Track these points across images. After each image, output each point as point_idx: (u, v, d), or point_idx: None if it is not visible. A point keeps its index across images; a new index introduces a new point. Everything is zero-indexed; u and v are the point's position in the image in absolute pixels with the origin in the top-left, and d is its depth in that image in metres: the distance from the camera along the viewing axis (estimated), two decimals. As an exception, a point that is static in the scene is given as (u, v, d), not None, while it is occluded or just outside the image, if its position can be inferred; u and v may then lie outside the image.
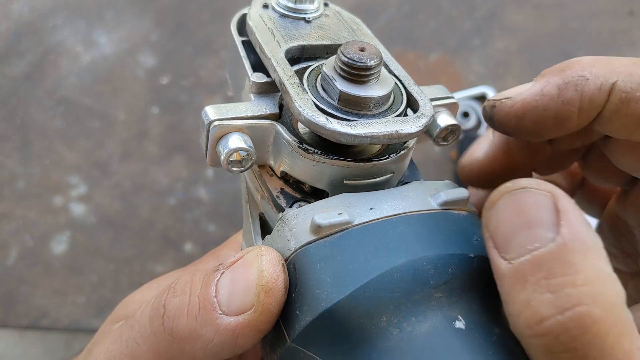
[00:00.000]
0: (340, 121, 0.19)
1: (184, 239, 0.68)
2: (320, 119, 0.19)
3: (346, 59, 0.19)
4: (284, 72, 0.20)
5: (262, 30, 0.23)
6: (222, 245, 0.28)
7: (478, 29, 0.72)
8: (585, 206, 0.28)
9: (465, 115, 0.69)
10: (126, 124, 0.72)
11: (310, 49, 0.23)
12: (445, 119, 0.23)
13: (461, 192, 0.20)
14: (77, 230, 0.69)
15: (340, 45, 0.21)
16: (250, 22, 0.23)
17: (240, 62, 0.23)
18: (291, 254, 0.18)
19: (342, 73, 0.20)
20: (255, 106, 0.20)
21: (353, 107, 0.20)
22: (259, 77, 0.21)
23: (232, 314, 0.17)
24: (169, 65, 0.73)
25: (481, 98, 0.70)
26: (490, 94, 0.69)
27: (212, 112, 0.20)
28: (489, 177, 0.25)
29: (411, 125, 0.19)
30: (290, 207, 0.21)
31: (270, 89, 0.22)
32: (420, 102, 0.21)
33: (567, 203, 0.16)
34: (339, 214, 0.18)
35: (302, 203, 0.21)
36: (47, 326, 0.67)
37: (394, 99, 0.21)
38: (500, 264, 0.16)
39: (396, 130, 0.19)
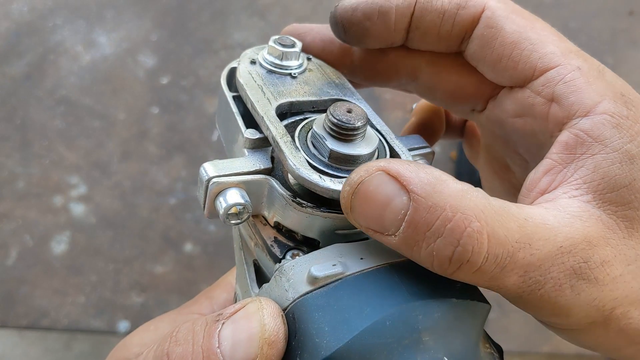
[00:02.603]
0: (333, 178, 0.20)
1: (184, 239, 0.68)
2: (314, 177, 0.20)
3: (335, 121, 0.21)
4: (276, 130, 0.21)
5: (252, 88, 0.24)
6: (214, 285, 0.28)
7: (478, 29, 0.72)
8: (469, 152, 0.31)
9: (466, 115, 0.69)
10: (126, 124, 0.72)
11: (298, 104, 0.24)
12: None
13: None
14: (77, 230, 0.69)
15: (325, 100, 0.23)
16: (241, 79, 0.24)
17: (232, 117, 0.24)
18: (290, 304, 0.19)
19: (331, 132, 0.21)
20: (250, 161, 0.22)
21: (343, 163, 0.21)
22: (252, 134, 0.22)
23: None
24: (169, 65, 0.73)
25: (481, 98, 0.70)
26: (491, 93, 0.69)
27: (210, 169, 0.21)
28: None
29: None
30: (284, 256, 0.22)
31: (262, 144, 0.23)
32: (402, 157, 0.23)
33: (396, 166, 0.18)
34: (333, 265, 0.19)
35: (295, 252, 0.22)
36: (47, 326, 0.67)
37: (378, 153, 0.23)
38: (391, 241, 0.18)
39: None
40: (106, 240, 0.69)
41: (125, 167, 0.71)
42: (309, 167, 0.20)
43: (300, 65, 0.25)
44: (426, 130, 0.30)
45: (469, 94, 0.25)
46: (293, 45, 0.25)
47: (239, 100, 0.25)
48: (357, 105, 0.22)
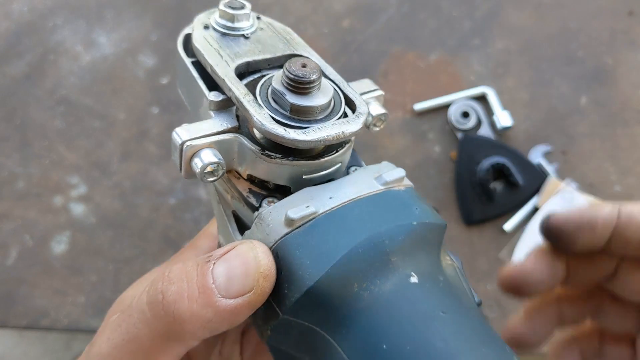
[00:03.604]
0: (297, 129, 0.22)
1: (184, 239, 0.68)
2: (280, 131, 0.22)
3: (292, 76, 0.23)
4: (238, 90, 0.23)
5: (209, 52, 0.25)
6: (196, 237, 0.29)
7: (478, 29, 0.72)
8: None
9: (465, 115, 0.69)
10: (126, 124, 0.72)
11: (254, 63, 0.26)
12: (375, 109, 0.27)
13: (399, 172, 0.24)
14: (77, 230, 0.69)
15: (279, 57, 0.25)
16: (197, 44, 0.26)
17: (194, 82, 0.26)
18: (272, 245, 0.21)
19: (289, 87, 0.23)
20: (217, 122, 0.24)
21: (303, 115, 0.23)
22: (216, 96, 0.24)
23: (231, 297, 0.20)
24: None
25: (481, 98, 0.70)
26: (490, 94, 0.69)
27: (183, 133, 0.23)
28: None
29: (353, 124, 0.23)
30: (260, 204, 0.24)
31: (226, 104, 0.25)
32: (356, 102, 0.25)
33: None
34: (306, 207, 0.21)
35: (269, 199, 0.24)
36: (47, 326, 0.67)
37: (334, 102, 0.25)
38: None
39: (342, 132, 0.23)
40: (106, 240, 0.69)
41: (125, 167, 0.71)
42: (274, 122, 0.22)
43: (251, 26, 0.27)
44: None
45: None
46: (243, 7, 0.27)
47: (198, 65, 0.26)
48: (310, 59, 0.24)
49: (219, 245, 0.27)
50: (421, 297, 0.21)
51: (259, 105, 0.23)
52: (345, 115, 0.24)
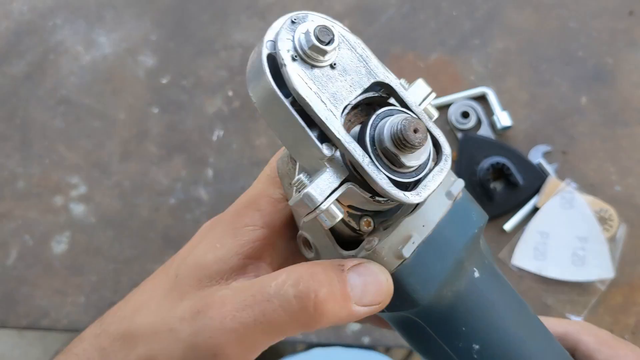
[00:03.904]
0: (412, 192, 0.25)
1: (184, 239, 0.68)
2: (400, 196, 0.24)
3: (407, 144, 0.24)
4: (356, 152, 0.24)
5: (312, 99, 0.24)
6: (256, 193, 0.29)
7: (478, 29, 0.72)
8: None
9: (465, 115, 0.69)
10: (126, 124, 0.72)
11: (348, 105, 0.25)
12: (432, 112, 0.29)
13: (459, 184, 0.28)
14: (77, 230, 0.69)
15: (368, 87, 0.25)
16: (299, 90, 0.24)
17: (297, 127, 0.24)
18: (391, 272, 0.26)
19: (400, 148, 0.24)
20: (334, 175, 0.24)
21: (410, 169, 0.25)
22: (330, 150, 0.24)
23: (362, 305, 0.24)
24: (169, 65, 0.73)
25: (481, 98, 0.70)
26: (490, 94, 0.69)
27: (315, 194, 0.24)
28: None
29: (445, 170, 0.26)
30: (359, 225, 0.27)
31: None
32: (441, 142, 0.26)
33: None
34: (412, 242, 0.25)
35: (365, 219, 0.27)
36: (47, 326, 0.67)
37: (430, 150, 0.26)
38: None
39: (441, 182, 0.25)
40: (106, 240, 0.69)
41: (126, 167, 0.71)
42: (394, 187, 0.24)
43: (334, 50, 0.25)
44: None
45: None
46: (332, 41, 0.24)
47: (296, 105, 0.24)
48: (421, 121, 0.24)
49: (311, 247, 0.29)
50: (482, 287, 0.27)
51: (377, 168, 0.24)
52: (433, 157, 0.26)
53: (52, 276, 0.68)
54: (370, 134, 0.24)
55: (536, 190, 0.66)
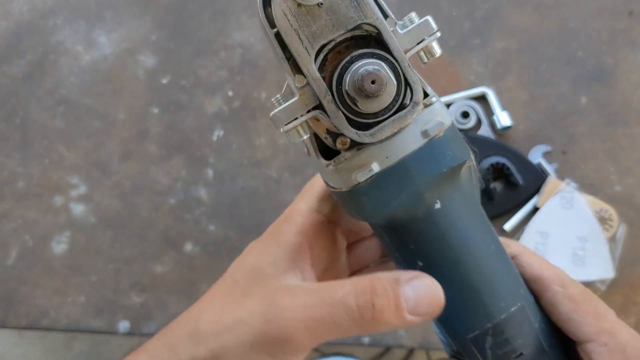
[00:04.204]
0: (366, 132, 0.26)
1: (184, 239, 0.68)
2: (353, 135, 0.26)
3: (363, 93, 0.25)
4: (319, 89, 0.26)
5: (291, 35, 0.26)
6: (289, 213, 0.34)
7: (478, 29, 0.72)
8: None
9: (465, 115, 0.69)
10: (126, 124, 0.72)
11: (328, 43, 0.27)
12: (434, 49, 0.30)
13: (439, 125, 0.28)
14: (77, 230, 0.69)
15: (352, 29, 0.26)
16: (279, 24, 0.26)
17: (279, 58, 0.27)
18: (349, 189, 0.28)
19: (359, 95, 0.26)
20: (303, 103, 0.27)
21: (371, 116, 0.27)
22: (301, 83, 0.27)
23: (414, 315, 0.27)
24: (169, 65, 0.73)
25: (481, 98, 0.70)
26: (490, 94, 0.69)
27: (279, 118, 0.27)
28: None
29: (409, 117, 0.27)
30: (335, 143, 0.28)
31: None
32: (414, 89, 0.27)
33: None
34: (369, 170, 0.27)
35: (342, 138, 0.28)
36: (47, 326, 0.67)
37: (396, 91, 0.27)
38: None
39: (400, 127, 0.27)
40: (106, 240, 0.69)
41: (125, 167, 0.71)
42: (348, 126, 0.26)
43: None
44: None
45: None
46: None
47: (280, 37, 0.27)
48: (380, 72, 0.26)
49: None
50: (440, 218, 0.29)
51: (337, 107, 0.26)
52: (403, 104, 0.27)
53: (52, 276, 0.68)
54: (338, 74, 0.26)
55: (536, 190, 0.66)
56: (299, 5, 0.26)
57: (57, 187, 0.70)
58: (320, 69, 0.26)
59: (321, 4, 0.26)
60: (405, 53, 0.27)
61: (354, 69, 0.26)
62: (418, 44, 0.28)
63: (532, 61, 0.71)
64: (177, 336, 0.30)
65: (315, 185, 0.34)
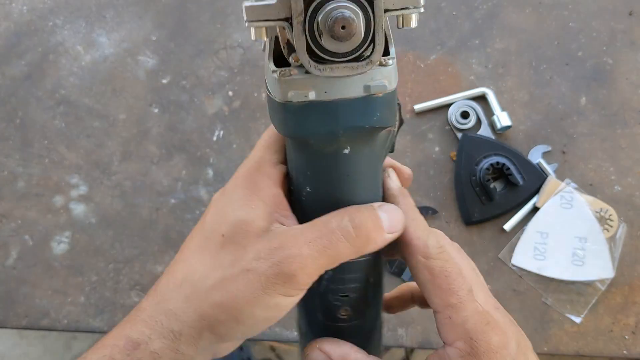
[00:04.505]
0: (318, 65, 0.27)
1: (184, 239, 0.68)
2: (305, 62, 0.27)
3: (330, 32, 0.26)
4: (296, 7, 0.26)
5: None
6: (251, 162, 0.34)
7: (478, 29, 0.72)
8: None
9: (465, 115, 0.69)
10: (126, 124, 0.72)
11: None
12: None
13: (383, 86, 0.29)
14: (77, 230, 0.69)
15: None
16: None
17: None
18: (282, 101, 0.29)
19: (327, 32, 0.26)
20: (277, 9, 0.27)
21: (331, 54, 0.27)
22: None
23: (389, 233, 0.31)
24: (169, 65, 0.73)
25: (481, 98, 0.70)
26: (490, 94, 0.69)
27: (249, 13, 0.27)
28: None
29: (360, 69, 0.27)
30: (289, 56, 0.29)
31: None
32: (376, 49, 0.27)
33: (328, 346, 0.35)
34: (305, 95, 0.28)
35: (295, 54, 0.28)
36: (47, 326, 0.67)
37: (364, 35, 0.27)
38: None
39: (348, 74, 0.27)
40: (106, 240, 0.69)
41: (126, 167, 0.71)
42: (306, 53, 0.27)
43: None
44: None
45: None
46: None
47: None
48: (353, 20, 0.25)
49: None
50: (342, 160, 0.30)
51: (302, 30, 0.26)
52: (361, 55, 0.27)
53: (52, 276, 0.68)
54: (318, 3, 0.26)
55: (536, 190, 0.66)
56: None
57: (57, 187, 0.70)
58: None
59: None
60: (385, 12, 0.27)
61: (332, 6, 0.26)
62: (401, 9, 0.28)
63: (532, 61, 0.71)
64: (173, 300, 0.30)
65: (278, 136, 0.34)
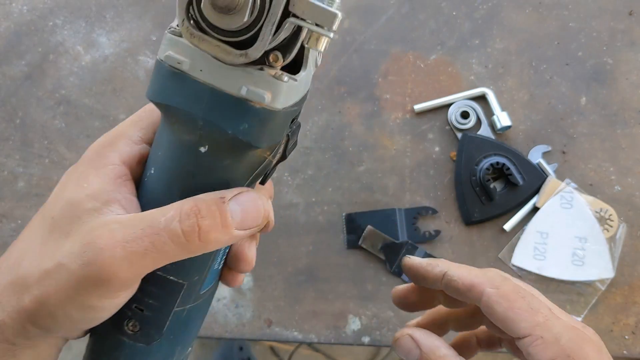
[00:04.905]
0: (189, 29, 0.25)
1: (184, 239, 0.68)
2: (179, 19, 0.25)
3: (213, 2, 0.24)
4: None
5: None
6: (108, 136, 0.32)
7: (478, 29, 0.72)
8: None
9: (465, 115, 0.69)
10: (126, 124, 0.72)
11: None
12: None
13: (265, 97, 0.25)
14: (77, 230, 0.69)
15: None
16: None
17: None
18: (158, 58, 0.27)
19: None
20: None
21: (206, 21, 0.25)
22: None
23: (241, 229, 0.28)
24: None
25: (481, 98, 0.70)
26: (490, 94, 0.69)
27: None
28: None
29: (230, 59, 0.25)
30: (187, 16, 0.26)
31: None
32: (256, 45, 0.24)
33: (419, 335, 0.33)
34: (178, 63, 0.26)
35: (191, 22, 0.26)
36: (47, 326, 0.67)
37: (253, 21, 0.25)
38: None
39: (216, 57, 0.25)
40: (106, 240, 0.69)
41: (125, 167, 0.71)
42: (183, 9, 0.24)
43: None
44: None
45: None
46: None
47: None
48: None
49: None
50: (194, 155, 0.28)
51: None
52: (244, 43, 0.25)
53: (52, 276, 0.68)
54: None
55: (536, 190, 0.66)
56: None
57: (57, 187, 0.70)
58: None
59: None
60: (290, 16, 0.24)
61: None
62: (309, 23, 0.24)
63: (532, 61, 0.71)
64: (1, 286, 0.28)
65: (152, 113, 0.32)
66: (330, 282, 0.66)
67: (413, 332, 0.33)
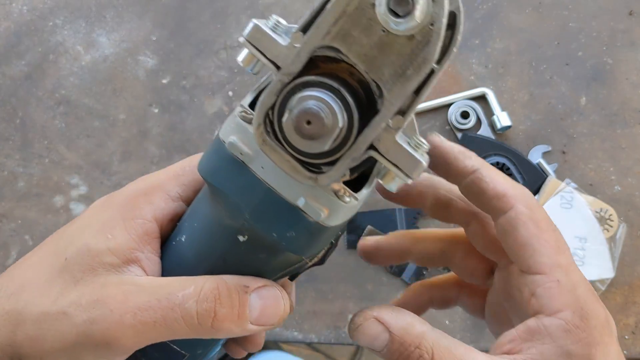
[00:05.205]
0: (263, 135, 0.23)
1: (184, 239, 0.68)
2: (257, 121, 0.23)
3: (297, 136, 0.23)
4: (286, 64, 0.24)
5: (336, 7, 0.23)
6: (151, 186, 0.32)
7: (478, 29, 0.72)
8: (470, 309, 0.37)
9: (465, 115, 0.69)
10: (126, 124, 0.72)
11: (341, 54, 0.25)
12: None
13: (323, 213, 0.24)
14: (77, 230, 0.69)
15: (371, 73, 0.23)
16: None
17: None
18: (217, 134, 0.27)
19: (292, 129, 0.23)
20: (280, 51, 0.24)
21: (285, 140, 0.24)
22: (297, 40, 0.24)
23: (255, 325, 0.26)
24: (169, 65, 0.73)
25: (481, 98, 0.70)
26: (490, 94, 0.69)
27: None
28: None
29: (300, 177, 0.24)
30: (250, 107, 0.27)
31: None
32: (331, 172, 0.24)
33: (387, 314, 0.27)
34: (240, 153, 0.25)
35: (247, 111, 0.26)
36: (47, 326, 0.67)
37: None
38: (380, 354, 0.27)
39: (283, 168, 0.24)
40: (106, 240, 0.69)
41: (126, 167, 0.71)
42: (263, 114, 0.23)
43: None
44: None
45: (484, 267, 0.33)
46: None
47: None
48: (321, 116, 0.21)
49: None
50: (232, 248, 0.27)
51: (278, 91, 0.23)
52: (317, 165, 0.23)
53: (52, 276, 0.68)
54: (307, 80, 0.22)
55: (536, 190, 0.66)
56: (372, 5, 0.22)
57: (57, 187, 0.70)
58: (311, 64, 0.23)
59: (385, 30, 0.22)
60: (371, 149, 0.23)
61: (310, 93, 0.22)
62: (391, 163, 0.23)
63: (532, 61, 0.71)
64: None
65: (195, 169, 0.29)
66: (330, 282, 0.66)
67: (379, 312, 0.27)
